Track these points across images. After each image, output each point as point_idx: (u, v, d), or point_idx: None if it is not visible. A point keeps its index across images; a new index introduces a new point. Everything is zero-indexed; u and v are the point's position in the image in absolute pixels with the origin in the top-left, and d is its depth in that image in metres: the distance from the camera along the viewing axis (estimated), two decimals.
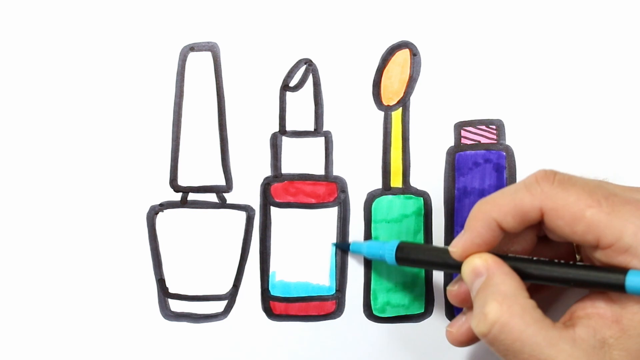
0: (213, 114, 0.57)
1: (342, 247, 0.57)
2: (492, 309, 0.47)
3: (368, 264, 0.58)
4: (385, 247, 0.54)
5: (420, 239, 0.58)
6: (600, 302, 0.48)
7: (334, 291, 0.57)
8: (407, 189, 0.58)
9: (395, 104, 0.57)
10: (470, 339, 0.52)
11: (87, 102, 0.56)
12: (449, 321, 0.58)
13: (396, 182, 0.57)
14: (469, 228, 0.50)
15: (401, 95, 0.57)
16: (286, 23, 0.57)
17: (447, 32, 0.57)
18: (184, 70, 0.57)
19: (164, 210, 0.57)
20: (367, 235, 0.57)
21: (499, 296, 0.48)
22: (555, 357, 0.46)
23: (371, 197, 0.57)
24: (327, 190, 0.57)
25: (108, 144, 0.56)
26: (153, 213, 0.57)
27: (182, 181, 0.57)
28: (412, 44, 0.57)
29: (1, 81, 0.56)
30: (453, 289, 0.52)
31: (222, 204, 0.57)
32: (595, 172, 0.57)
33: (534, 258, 0.50)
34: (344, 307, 0.57)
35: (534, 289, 0.51)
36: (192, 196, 0.57)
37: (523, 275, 0.49)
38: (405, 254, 0.54)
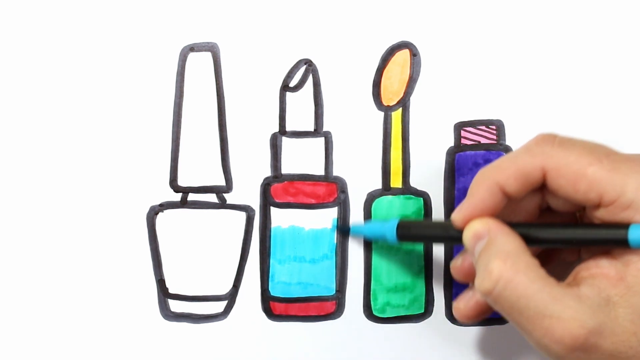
0: (213, 114, 0.57)
1: (343, 230, 0.57)
2: (496, 266, 0.47)
3: (368, 263, 0.58)
4: (386, 226, 0.54)
5: None
6: (603, 261, 0.48)
7: (334, 291, 0.57)
8: (407, 189, 0.58)
9: (395, 104, 0.57)
10: (478, 314, 0.52)
11: (87, 102, 0.56)
12: (449, 321, 0.58)
13: (396, 182, 0.57)
14: (471, 194, 0.50)
15: (401, 95, 0.57)
16: (286, 23, 0.57)
17: (447, 32, 0.57)
18: (184, 70, 0.57)
19: (164, 211, 0.57)
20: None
21: (502, 254, 0.48)
22: (561, 312, 0.46)
23: (371, 197, 0.57)
24: (327, 190, 0.57)
25: (108, 144, 0.56)
26: (153, 213, 0.57)
27: (182, 181, 0.57)
28: (412, 44, 0.57)
29: (1, 81, 0.56)
30: (457, 263, 0.52)
31: (222, 204, 0.57)
32: None
33: (534, 223, 0.50)
34: (344, 307, 0.57)
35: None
36: (192, 196, 0.57)
37: (526, 239, 0.49)
38: (407, 230, 0.54)
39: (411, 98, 0.57)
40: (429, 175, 0.57)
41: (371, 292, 0.58)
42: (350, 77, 0.57)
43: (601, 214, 0.48)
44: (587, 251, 0.51)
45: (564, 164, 0.48)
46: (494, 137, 0.58)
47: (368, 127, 0.57)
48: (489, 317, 0.58)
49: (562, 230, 0.49)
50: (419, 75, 0.57)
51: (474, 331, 0.58)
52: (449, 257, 0.58)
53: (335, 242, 0.57)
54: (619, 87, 0.58)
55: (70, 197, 0.56)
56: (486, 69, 0.57)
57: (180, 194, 0.57)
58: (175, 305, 0.57)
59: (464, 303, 0.52)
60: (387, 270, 0.58)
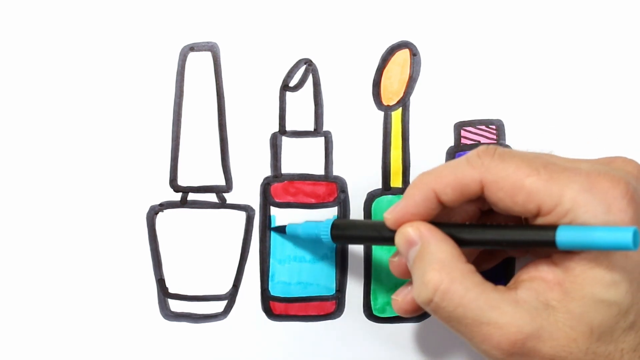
0: (213, 114, 0.57)
1: (278, 230, 0.57)
2: (431, 278, 0.47)
3: (368, 263, 0.58)
4: (321, 226, 0.54)
5: None
6: (543, 266, 0.48)
7: (334, 291, 0.57)
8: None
9: (395, 104, 0.57)
10: (415, 309, 0.52)
11: (87, 102, 0.56)
12: None
13: (396, 182, 0.58)
14: (406, 196, 0.50)
15: (401, 95, 0.57)
16: (286, 23, 0.57)
17: (447, 32, 0.57)
18: (184, 70, 0.57)
19: (164, 210, 0.57)
20: None
21: (436, 264, 0.48)
22: (498, 319, 0.46)
23: (371, 197, 0.57)
24: (327, 190, 0.57)
25: (108, 144, 0.56)
26: (153, 213, 0.57)
27: (182, 181, 0.57)
28: (412, 44, 0.57)
29: (1, 81, 0.56)
30: (394, 260, 0.52)
31: (222, 204, 0.57)
32: None
33: (467, 223, 0.50)
34: (344, 307, 0.57)
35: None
36: (192, 196, 0.57)
37: (458, 241, 0.49)
38: (341, 230, 0.54)
39: (411, 98, 0.57)
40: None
41: (371, 292, 0.58)
42: (350, 77, 0.57)
43: (541, 223, 0.47)
44: (532, 253, 0.51)
45: (502, 177, 0.48)
46: (494, 137, 0.58)
47: (368, 127, 0.57)
48: None
49: (493, 231, 0.49)
50: (419, 75, 0.57)
51: None
52: None
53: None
54: (618, 87, 0.58)
55: (70, 197, 0.56)
56: (486, 69, 0.57)
57: (180, 194, 0.57)
58: (175, 305, 0.57)
59: (402, 297, 0.52)
60: (387, 270, 0.57)
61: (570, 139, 0.58)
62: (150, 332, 0.57)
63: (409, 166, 0.57)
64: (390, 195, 0.57)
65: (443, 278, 0.47)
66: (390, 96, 0.57)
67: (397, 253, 0.52)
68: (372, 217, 0.57)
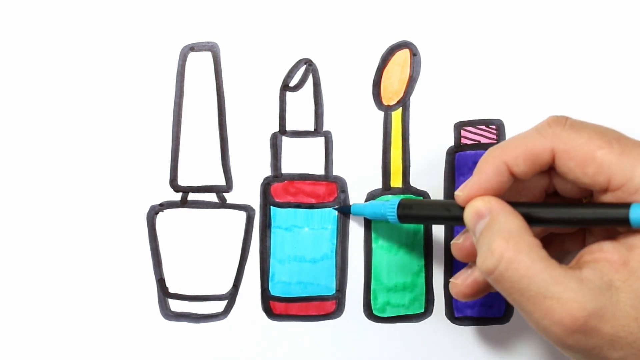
0: (213, 114, 0.57)
1: (344, 211, 0.57)
2: (498, 246, 0.47)
3: (368, 263, 0.58)
4: (387, 206, 0.54)
5: (420, 238, 0.58)
6: (607, 245, 0.48)
7: (334, 291, 0.57)
8: (407, 189, 0.58)
9: (395, 104, 0.57)
10: (475, 292, 0.52)
11: (87, 102, 0.56)
12: (449, 321, 0.58)
13: (396, 182, 0.57)
14: (478, 171, 0.50)
15: (401, 95, 0.57)
16: (286, 23, 0.57)
17: (447, 32, 0.57)
18: (184, 70, 0.57)
19: (164, 210, 0.57)
20: (367, 236, 0.57)
21: (505, 233, 0.47)
22: (562, 294, 0.46)
23: (371, 197, 0.57)
24: (327, 190, 0.57)
25: (108, 144, 0.56)
26: (153, 213, 0.57)
27: (182, 181, 0.57)
28: (412, 44, 0.57)
29: (1, 81, 0.56)
30: (458, 241, 0.52)
31: (222, 204, 0.57)
32: None
33: (538, 202, 0.50)
34: (344, 307, 0.57)
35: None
36: (192, 196, 0.57)
37: (528, 219, 0.49)
38: (407, 209, 0.53)
39: (411, 98, 0.57)
40: (429, 175, 0.57)
41: (371, 292, 0.58)
42: (350, 77, 0.57)
43: (608, 199, 0.47)
44: (591, 237, 0.51)
45: (574, 146, 0.48)
46: (494, 136, 0.58)
47: (368, 127, 0.57)
48: (489, 317, 0.58)
49: (564, 209, 0.49)
50: (419, 75, 0.57)
51: (474, 331, 0.58)
52: (449, 257, 0.58)
53: (335, 241, 0.57)
54: (618, 87, 0.58)
55: (70, 197, 0.56)
56: (486, 69, 0.57)
57: (180, 194, 0.57)
58: (175, 305, 0.57)
59: (462, 280, 0.52)
60: (387, 270, 0.58)
61: None
62: (150, 332, 0.57)
63: (409, 166, 0.57)
64: (390, 195, 0.57)
65: (510, 247, 0.47)
66: (390, 96, 0.57)
67: (461, 235, 0.52)
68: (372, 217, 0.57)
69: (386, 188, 0.58)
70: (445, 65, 0.57)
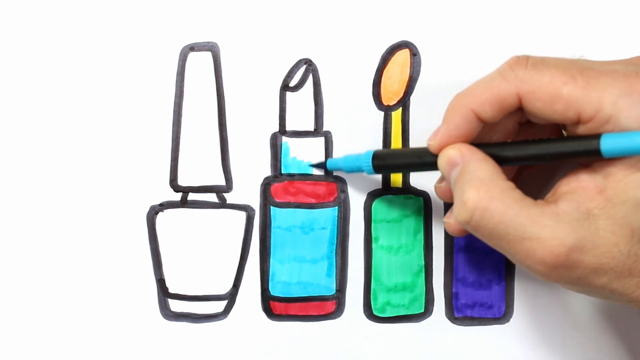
0: (213, 114, 0.57)
1: (319, 166, 0.57)
2: (470, 196, 0.47)
3: (368, 263, 0.58)
4: (362, 158, 0.54)
5: (420, 238, 0.58)
6: (583, 175, 0.48)
7: (334, 291, 0.57)
8: (407, 189, 0.58)
9: (395, 104, 0.57)
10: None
11: (87, 102, 0.56)
12: (449, 321, 0.58)
13: (396, 182, 0.58)
14: (446, 120, 0.50)
15: (401, 95, 0.57)
16: (286, 23, 0.57)
17: (447, 32, 0.57)
18: (184, 70, 0.57)
19: (164, 210, 0.57)
20: (367, 236, 0.57)
21: (475, 182, 0.48)
22: (539, 234, 0.46)
23: (371, 197, 0.57)
24: (327, 190, 0.57)
25: (108, 144, 0.56)
26: (153, 213, 0.57)
27: (182, 181, 0.57)
28: (412, 44, 0.57)
29: (1, 81, 0.56)
30: (440, 185, 0.52)
31: (222, 204, 0.57)
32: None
33: (508, 141, 0.50)
34: (344, 307, 0.57)
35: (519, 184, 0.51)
36: (192, 196, 0.57)
37: (499, 160, 0.49)
38: (382, 160, 0.54)
39: (411, 98, 0.57)
40: (429, 175, 0.57)
41: (371, 292, 0.58)
42: (350, 77, 0.57)
43: (582, 131, 0.47)
44: (567, 167, 0.51)
45: (539, 87, 0.47)
46: None
47: (368, 127, 0.57)
48: (489, 317, 0.58)
49: (534, 146, 0.49)
50: (419, 75, 0.57)
51: (474, 331, 0.58)
52: (449, 257, 0.58)
53: (335, 241, 0.57)
54: None
55: (70, 197, 0.56)
56: (486, 69, 0.57)
57: (180, 194, 0.57)
58: (175, 305, 0.57)
59: (454, 218, 0.52)
60: (387, 270, 0.58)
61: None
62: (150, 332, 0.57)
63: None
64: (390, 195, 0.57)
65: (482, 196, 0.47)
66: (390, 96, 0.57)
67: (441, 178, 0.52)
68: (372, 217, 0.57)
69: (386, 188, 0.58)
70: (445, 65, 0.57)
